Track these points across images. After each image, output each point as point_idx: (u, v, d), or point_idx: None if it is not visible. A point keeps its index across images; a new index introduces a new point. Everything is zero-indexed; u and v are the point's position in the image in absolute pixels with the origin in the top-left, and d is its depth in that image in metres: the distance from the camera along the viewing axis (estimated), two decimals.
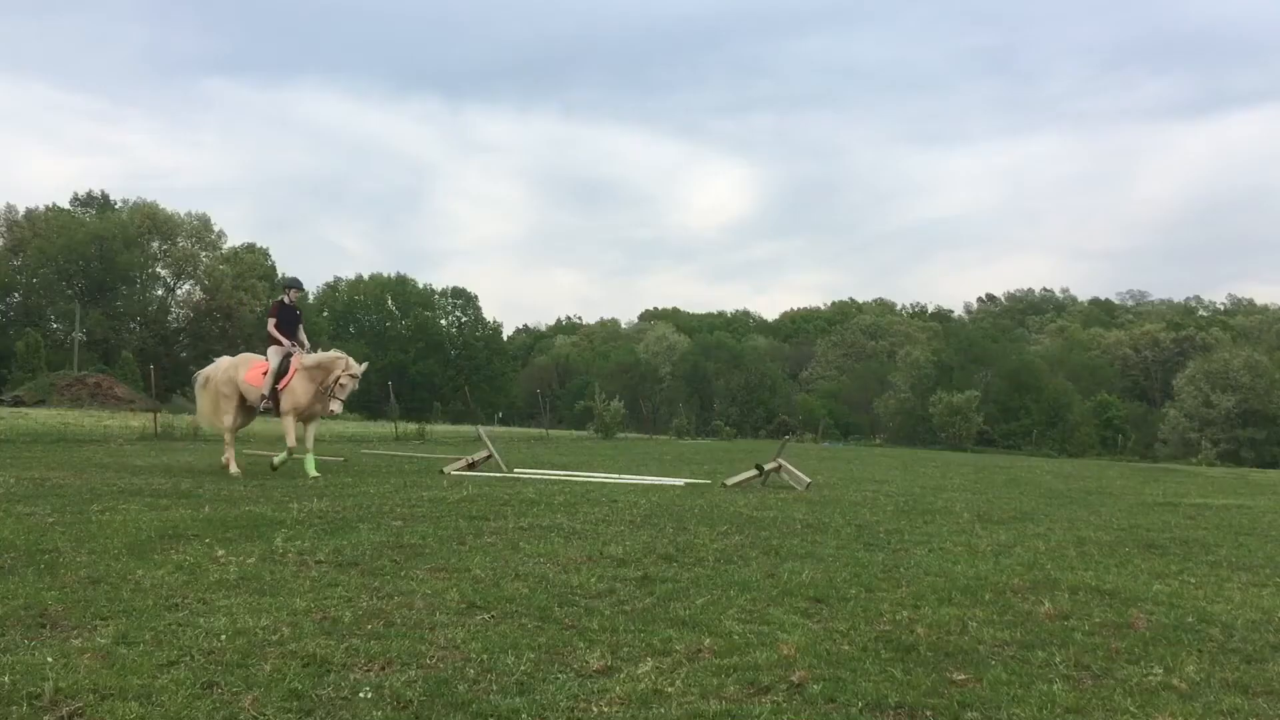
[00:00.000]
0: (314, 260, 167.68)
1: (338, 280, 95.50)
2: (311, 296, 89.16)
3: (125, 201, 76.70)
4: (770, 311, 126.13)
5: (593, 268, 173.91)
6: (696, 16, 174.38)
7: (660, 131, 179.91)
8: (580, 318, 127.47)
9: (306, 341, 12.77)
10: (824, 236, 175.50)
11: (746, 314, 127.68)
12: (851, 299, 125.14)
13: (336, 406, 12.11)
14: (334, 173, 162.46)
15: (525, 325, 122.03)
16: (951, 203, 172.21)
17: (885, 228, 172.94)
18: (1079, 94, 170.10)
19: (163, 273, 75.50)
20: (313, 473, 11.58)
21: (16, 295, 69.80)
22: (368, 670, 3.49)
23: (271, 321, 12.61)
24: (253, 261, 74.45)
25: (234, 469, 11.73)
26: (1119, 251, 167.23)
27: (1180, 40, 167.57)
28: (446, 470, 13.69)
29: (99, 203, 77.56)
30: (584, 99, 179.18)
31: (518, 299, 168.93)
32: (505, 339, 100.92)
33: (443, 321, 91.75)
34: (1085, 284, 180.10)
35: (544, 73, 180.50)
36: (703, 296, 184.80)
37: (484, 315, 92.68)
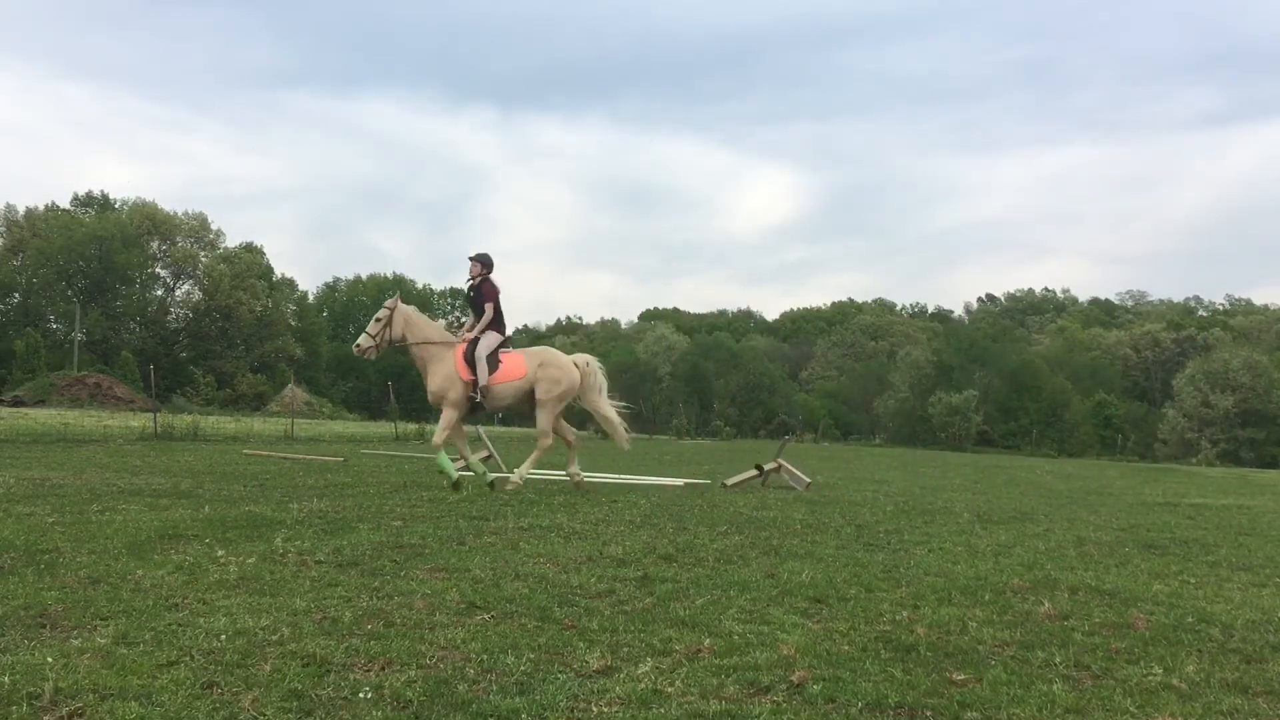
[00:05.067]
0: (354, 263, 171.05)
1: (337, 280, 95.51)
2: (311, 297, 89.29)
3: (125, 201, 76.67)
4: (771, 312, 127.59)
5: (630, 271, 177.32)
6: (742, 30, 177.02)
7: (706, 141, 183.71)
8: (580, 318, 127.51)
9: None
10: (859, 242, 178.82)
11: (747, 314, 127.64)
12: (851, 299, 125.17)
13: None
14: (388, 179, 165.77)
15: (525, 325, 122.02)
16: (981, 209, 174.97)
17: (918, 233, 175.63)
18: (1110, 105, 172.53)
19: (162, 273, 75.49)
20: None
21: (16, 295, 69.78)
22: (368, 670, 3.49)
23: None
24: (250, 261, 74.41)
25: None
26: (1144, 256, 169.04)
27: (1215, 53, 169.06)
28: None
29: (99, 203, 77.51)
30: (633, 108, 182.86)
31: (555, 300, 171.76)
32: None
33: (441, 322, 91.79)
34: (1096, 287, 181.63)
35: (595, 83, 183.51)
36: (737, 298, 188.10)
37: None
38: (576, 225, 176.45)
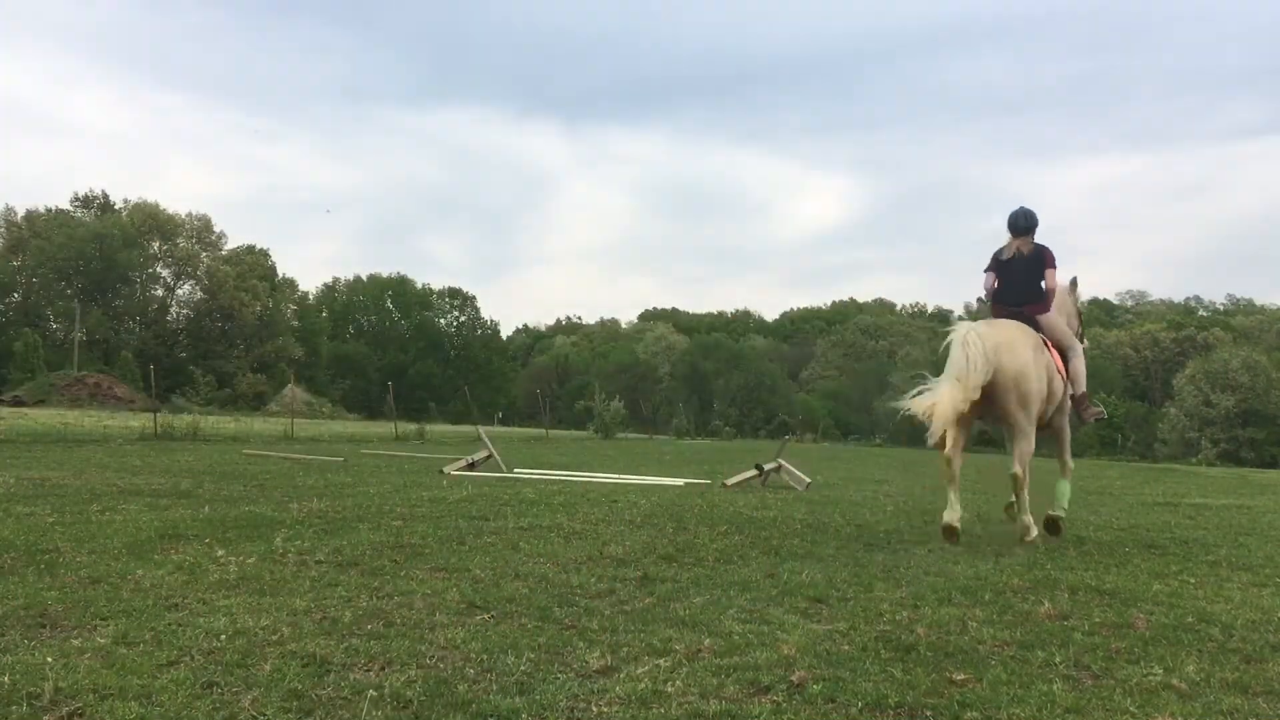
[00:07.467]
0: (404, 267, 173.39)
1: (336, 280, 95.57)
2: (311, 297, 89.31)
3: (126, 201, 76.68)
4: (771, 311, 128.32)
5: (674, 275, 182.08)
6: (795, 50, 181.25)
7: (758, 150, 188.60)
8: (580, 318, 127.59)
9: None
10: (908, 247, 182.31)
11: (746, 314, 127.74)
12: (852, 299, 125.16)
13: None
14: (448, 188, 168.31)
15: (525, 325, 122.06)
16: (985, 210, 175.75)
17: (954, 237, 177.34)
18: (1155, 116, 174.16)
19: (163, 273, 75.52)
20: None
21: (16, 295, 69.80)
22: (368, 670, 3.49)
23: None
24: (253, 262, 74.46)
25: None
26: (1144, 256, 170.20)
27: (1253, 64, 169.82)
28: (446, 470, 13.69)
29: (99, 203, 77.50)
30: (692, 119, 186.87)
31: (602, 303, 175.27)
32: (505, 339, 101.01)
33: (441, 321, 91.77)
34: (1096, 287, 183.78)
35: (656, 95, 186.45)
36: (786, 301, 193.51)
37: (482, 315, 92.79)
38: (626, 231, 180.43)
